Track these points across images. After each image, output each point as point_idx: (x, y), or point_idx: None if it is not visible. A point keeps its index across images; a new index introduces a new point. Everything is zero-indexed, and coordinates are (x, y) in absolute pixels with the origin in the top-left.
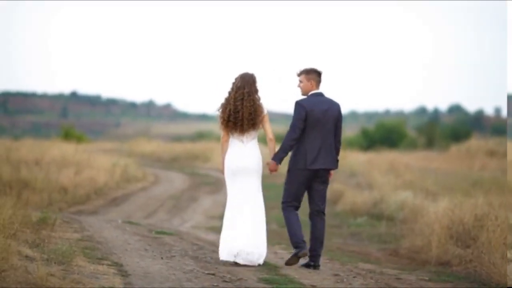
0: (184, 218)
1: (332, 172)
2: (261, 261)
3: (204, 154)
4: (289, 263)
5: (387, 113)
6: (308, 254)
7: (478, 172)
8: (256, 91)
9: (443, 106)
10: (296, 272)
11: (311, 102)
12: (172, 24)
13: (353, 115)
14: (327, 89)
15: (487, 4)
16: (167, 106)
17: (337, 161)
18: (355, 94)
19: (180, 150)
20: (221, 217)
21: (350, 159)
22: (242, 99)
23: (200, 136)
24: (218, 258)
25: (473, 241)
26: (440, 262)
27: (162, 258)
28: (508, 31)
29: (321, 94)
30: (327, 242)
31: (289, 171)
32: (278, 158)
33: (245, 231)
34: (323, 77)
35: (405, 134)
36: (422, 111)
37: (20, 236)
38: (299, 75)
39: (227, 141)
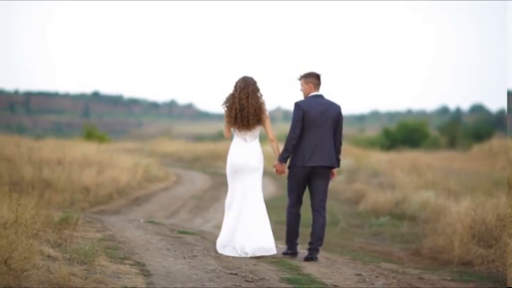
0: (206, 217)
1: (334, 171)
2: (271, 252)
3: (225, 154)
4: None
5: (409, 112)
6: (308, 247)
7: (500, 172)
8: (258, 89)
9: (465, 105)
10: (318, 272)
11: (308, 103)
12: (195, 24)
13: (375, 114)
14: (350, 89)
15: None
16: (189, 106)
17: (339, 160)
18: (377, 94)
19: (201, 149)
20: None
21: (372, 158)
22: (247, 97)
23: (221, 136)
24: (240, 258)
25: (495, 241)
26: (463, 262)
27: (184, 257)
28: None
29: (320, 96)
30: (349, 242)
31: (289, 168)
32: (282, 158)
33: (246, 227)
34: (323, 79)
35: (427, 134)
36: (444, 110)
37: (42, 236)
38: (299, 79)
39: (228, 138)
